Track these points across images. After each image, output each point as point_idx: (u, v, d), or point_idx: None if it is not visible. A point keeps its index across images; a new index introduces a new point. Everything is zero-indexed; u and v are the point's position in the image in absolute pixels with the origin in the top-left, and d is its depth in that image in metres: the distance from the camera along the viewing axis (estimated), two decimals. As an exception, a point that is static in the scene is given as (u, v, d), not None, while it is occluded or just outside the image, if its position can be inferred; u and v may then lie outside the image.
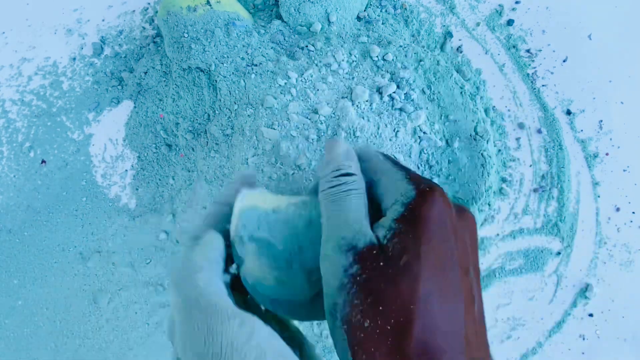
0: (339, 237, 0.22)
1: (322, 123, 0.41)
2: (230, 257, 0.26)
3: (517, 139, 0.48)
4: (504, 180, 0.47)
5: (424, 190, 0.21)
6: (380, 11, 0.48)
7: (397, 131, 0.42)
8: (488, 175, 0.45)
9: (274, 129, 0.41)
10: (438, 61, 0.46)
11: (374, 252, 0.21)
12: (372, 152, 0.26)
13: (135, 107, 0.50)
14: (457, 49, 0.48)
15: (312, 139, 0.41)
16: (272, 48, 0.45)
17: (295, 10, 0.45)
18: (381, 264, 0.20)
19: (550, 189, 0.47)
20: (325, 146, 0.26)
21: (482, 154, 0.46)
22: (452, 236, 0.21)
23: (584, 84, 0.47)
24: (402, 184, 0.22)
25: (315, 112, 0.41)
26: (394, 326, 0.19)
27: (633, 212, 0.47)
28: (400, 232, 0.21)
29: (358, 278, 0.20)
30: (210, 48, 0.44)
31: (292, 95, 0.42)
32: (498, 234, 0.47)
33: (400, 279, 0.20)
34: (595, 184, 0.47)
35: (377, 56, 0.44)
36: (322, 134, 0.41)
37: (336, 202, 0.23)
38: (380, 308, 0.20)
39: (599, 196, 0.47)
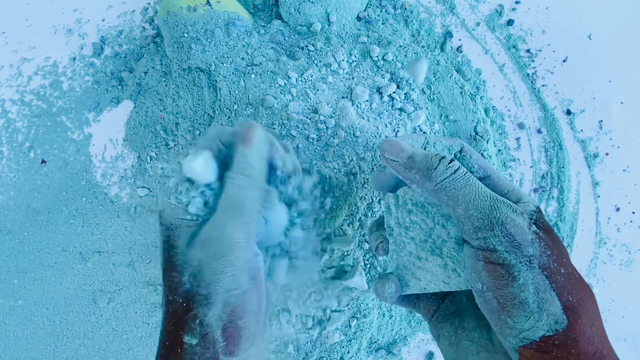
0: (506, 201, 0.27)
1: (322, 123, 0.41)
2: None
3: (517, 139, 0.48)
4: (504, 180, 0.47)
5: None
6: (380, 11, 0.48)
7: (397, 131, 0.42)
8: (488, 175, 0.45)
9: (274, 129, 0.41)
10: (438, 61, 0.46)
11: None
12: (472, 149, 0.32)
13: (135, 107, 0.50)
14: (457, 49, 0.48)
15: (312, 139, 0.41)
16: (272, 48, 0.45)
17: (295, 10, 0.45)
18: (542, 228, 0.27)
19: (550, 189, 0.47)
20: (389, 149, 0.30)
21: (482, 154, 0.46)
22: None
23: (584, 84, 0.47)
24: (522, 190, 0.30)
25: (315, 112, 0.41)
26: (577, 274, 0.26)
27: (633, 212, 0.47)
28: (539, 215, 0.28)
29: (541, 234, 0.26)
30: (210, 48, 0.44)
31: (292, 95, 0.42)
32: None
33: (561, 243, 0.27)
34: (595, 184, 0.47)
35: (377, 56, 0.44)
36: (322, 134, 0.41)
37: (467, 183, 0.28)
38: (564, 260, 0.26)
39: (599, 196, 0.47)
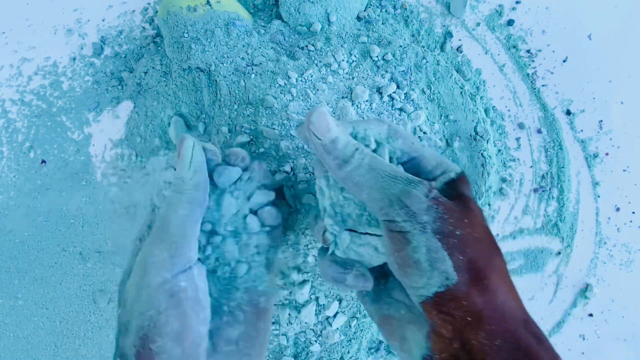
0: (404, 177, 0.28)
1: (322, 123, 0.41)
2: None
3: (517, 139, 0.48)
4: (504, 180, 0.47)
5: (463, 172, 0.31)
6: (380, 11, 0.48)
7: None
8: (488, 175, 0.45)
9: (274, 129, 0.41)
10: (438, 61, 0.46)
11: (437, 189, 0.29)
12: (405, 131, 0.32)
13: (135, 107, 0.50)
14: (457, 49, 0.48)
15: (312, 139, 0.41)
16: (272, 48, 0.45)
17: (295, 10, 0.45)
18: (450, 194, 0.28)
19: (550, 189, 0.47)
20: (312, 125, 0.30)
21: (482, 154, 0.46)
22: None
23: (584, 84, 0.47)
24: (448, 162, 0.31)
25: (315, 112, 0.41)
26: (481, 234, 0.28)
27: (633, 212, 0.47)
28: (455, 184, 0.30)
29: (441, 200, 0.28)
30: (210, 48, 0.44)
31: (292, 95, 0.42)
32: (498, 234, 0.47)
33: (472, 206, 0.29)
34: (595, 184, 0.47)
35: (377, 56, 0.44)
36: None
37: (370, 168, 0.29)
38: (466, 221, 0.28)
39: (599, 196, 0.47)
